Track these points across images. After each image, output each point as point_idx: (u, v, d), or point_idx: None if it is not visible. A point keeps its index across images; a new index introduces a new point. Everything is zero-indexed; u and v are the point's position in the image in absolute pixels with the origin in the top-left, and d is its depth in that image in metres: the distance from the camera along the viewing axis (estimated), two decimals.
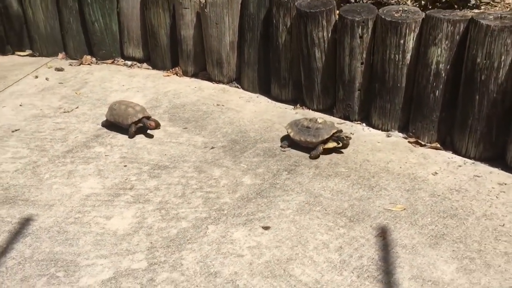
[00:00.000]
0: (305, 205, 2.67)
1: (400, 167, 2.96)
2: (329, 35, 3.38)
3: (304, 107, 3.74)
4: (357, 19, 3.19)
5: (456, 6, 3.38)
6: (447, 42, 2.93)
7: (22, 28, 4.81)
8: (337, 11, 3.36)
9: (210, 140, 3.33)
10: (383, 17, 3.11)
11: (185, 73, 4.32)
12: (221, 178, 2.92)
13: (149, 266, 2.29)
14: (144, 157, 3.15)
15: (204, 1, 3.90)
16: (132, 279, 2.21)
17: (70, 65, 4.61)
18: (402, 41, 3.08)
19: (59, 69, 4.54)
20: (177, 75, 4.35)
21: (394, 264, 2.24)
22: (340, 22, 3.28)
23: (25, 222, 2.58)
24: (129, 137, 3.35)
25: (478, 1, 3.40)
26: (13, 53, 4.88)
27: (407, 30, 3.05)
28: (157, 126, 3.40)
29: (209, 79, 4.21)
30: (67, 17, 4.62)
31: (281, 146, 3.21)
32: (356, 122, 3.52)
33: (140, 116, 3.32)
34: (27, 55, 4.85)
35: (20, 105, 3.88)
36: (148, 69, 4.52)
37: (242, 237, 2.45)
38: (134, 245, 2.41)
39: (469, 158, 3.03)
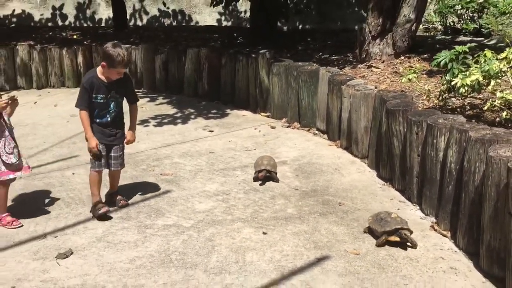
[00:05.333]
0: (301, 231, 3.79)
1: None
2: (404, 129, 4.29)
3: (390, 185, 4.63)
4: (413, 119, 4.06)
5: None
6: (456, 146, 3.56)
7: (267, 97, 7.06)
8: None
9: (302, 185, 4.68)
10: (427, 120, 3.91)
11: (341, 146, 5.68)
12: (278, 205, 4.28)
13: (190, 227, 3.92)
14: (253, 184, 4.75)
15: (349, 94, 5.27)
16: (175, 228, 3.89)
17: (282, 126, 6.56)
18: (435, 141, 3.81)
19: (272, 127, 6.55)
20: (336, 146, 5.75)
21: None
22: (406, 121, 4.19)
23: (166, 192, 4.58)
24: (253, 179, 4.77)
25: None
26: (259, 113, 7.18)
27: (438, 133, 3.77)
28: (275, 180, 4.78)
29: (351, 153, 5.46)
30: (290, 94, 6.62)
31: (363, 231, 3.74)
32: (413, 204, 4.23)
33: (262, 167, 4.68)
34: (266, 116, 7.06)
35: (229, 141, 6.02)
36: (325, 139, 6.05)
37: (247, 233, 3.80)
38: (194, 217, 4.07)
39: (459, 248, 3.48)
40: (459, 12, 10.91)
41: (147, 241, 3.70)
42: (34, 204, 4.28)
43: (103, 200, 4.18)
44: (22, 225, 3.90)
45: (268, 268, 3.31)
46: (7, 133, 3.81)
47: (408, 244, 3.51)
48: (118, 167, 4.19)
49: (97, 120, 4.00)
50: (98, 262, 3.41)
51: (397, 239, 3.46)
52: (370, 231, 3.70)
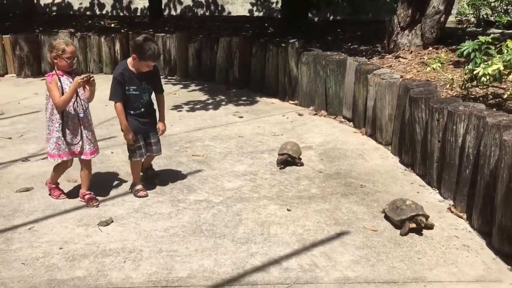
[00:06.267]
0: (323, 209, 4.03)
1: None
2: (426, 116, 4.47)
3: (411, 171, 4.81)
4: (435, 106, 4.24)
5: None
6: (474, 132, 3.73)
7: (296, 85, 7.28)
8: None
9: (326, 168, 4.90)
10: (448, 107, 4.08)
11: (366, 133, 5.87)
12: (302, 185, 4.52)
13: (219, 202, 4.19)
14: (276, 166, 5.00)
15: (375, 82, 5.45)
16: (206, 203, 4.18)
17: (309, 114, 6.78)
18: (454, 127, 3.98)
19: (300, 114, 6.78)
20: (361, 133, 5.95)
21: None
22: (428, 108, 4.36)
23: (198, 172, 4.86)
24: (277, 164, 4.98)
25: None
26: (287, 101, 7.40)
27: (458, 119, 3.94)
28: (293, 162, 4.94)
29: (375, 139, 5.65)
30: (317, 82, 6.82)
31: (381, 211, 3.89)
32: (433, 188, 4.42)
33: (285, 152, 4.89)
34: (294, 104, 7.28)
35: (258, 127, 6.28)
36: (350, 126, 6.24)
37: (272, 209, 4.06)
38: (223, 194, 4.35)
39: (473, 228, 3.67)
40: (492, 4, 10.85)
41: (180, 213, 4.00)
42: (78, 178, 4.62)
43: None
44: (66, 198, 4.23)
45: (291, 240, 3.57)
46: (79, 114, 3.96)
47: (426, 228, 3.61)
48: (158, 152, 4.35)
49: (132, 112, 4.12)
50: (135, 229, 3.73)
51: (413, 225, 3.55)
52: (386, 217, 3.82)
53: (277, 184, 4.56)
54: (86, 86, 3.97)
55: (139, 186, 4.33)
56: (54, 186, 4.25)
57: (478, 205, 3.60)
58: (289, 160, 4.87)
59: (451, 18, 10.71)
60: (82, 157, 4.07)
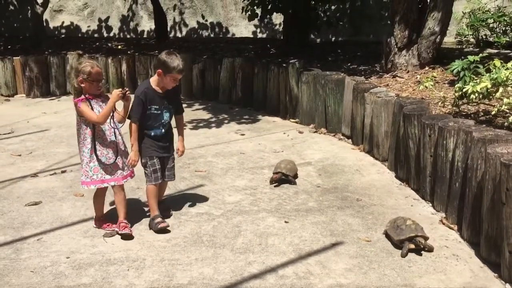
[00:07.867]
0: (319, 221, 4.19)
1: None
2: (419, 132, 4.64)
3: (406, 185, 4.97)
4: (427, 122, 4.42)
5: None
6: (462, 146, 3.90)
7: (296, 104, 7.49)
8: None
9: (324, 183, 5.07)
10: (439, 123, 4.26)
11: (364, 150, 6.04)
12: (300, 199, 4.69)
13: (219, 215, 4.37)
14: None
15: (371, 100, 5.65)
16: (207, 216, 4.35)
17: (309, 131, 6.97)
18: (445, 142, 4.15)
19: (300, 132, 6.97)
20: (359, 150, 6.12)
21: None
22: (421, 124, 4.54)
23: (199, 186, 5.05)
24: (270, 182, 5.11)
25: None
26: (288, 119, 7.60)
27: (448, 135, 4.11)
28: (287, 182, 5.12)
29: (373, 156, 5.82)
30: (317, 101, 7.03)
31: (383, 233, 3.90)
32: (426, 201, 4.57)
33: (279, 170, 5.01)
34: (295, 122, 7.48)
35: (259, 144, 6.47)
36: (349, 143, 6.42)
37: (270, 221, 4.23)
38: (224, 207, 4.52)
39: (463, 238, 3.81)
40: (491, 25, 11.08)
41: (181, 225, 4.17)
42: (86, 193, 4.81)
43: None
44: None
45: (288, 250, 3.73)
46: (111, 137, 3.88)
47: (425, 249, 3.59)
48: (172, 178, 4.27)
49: (152, 134, 4.03)
50: (139, 240, 3.90)
51: (412, 246, 3.57)
52: (387, 235, 3.83)
53: (276, 198, 4.72)
54: (117, 110, 3.88)
55: (159, 219, 4.05)
56: (101, 219, 4.11)
57: (467, 216, 3.75)
58: (283, 178, 5.02)
59: (451, 39, 10.97)
60: (112, 183, 3.94)
